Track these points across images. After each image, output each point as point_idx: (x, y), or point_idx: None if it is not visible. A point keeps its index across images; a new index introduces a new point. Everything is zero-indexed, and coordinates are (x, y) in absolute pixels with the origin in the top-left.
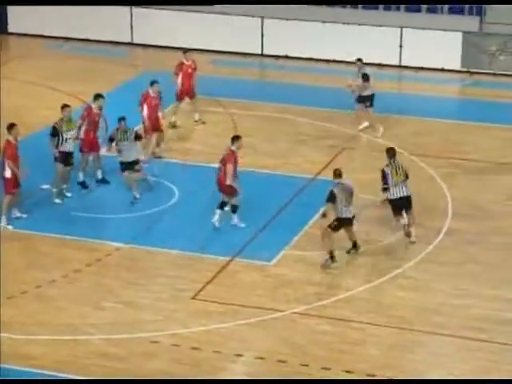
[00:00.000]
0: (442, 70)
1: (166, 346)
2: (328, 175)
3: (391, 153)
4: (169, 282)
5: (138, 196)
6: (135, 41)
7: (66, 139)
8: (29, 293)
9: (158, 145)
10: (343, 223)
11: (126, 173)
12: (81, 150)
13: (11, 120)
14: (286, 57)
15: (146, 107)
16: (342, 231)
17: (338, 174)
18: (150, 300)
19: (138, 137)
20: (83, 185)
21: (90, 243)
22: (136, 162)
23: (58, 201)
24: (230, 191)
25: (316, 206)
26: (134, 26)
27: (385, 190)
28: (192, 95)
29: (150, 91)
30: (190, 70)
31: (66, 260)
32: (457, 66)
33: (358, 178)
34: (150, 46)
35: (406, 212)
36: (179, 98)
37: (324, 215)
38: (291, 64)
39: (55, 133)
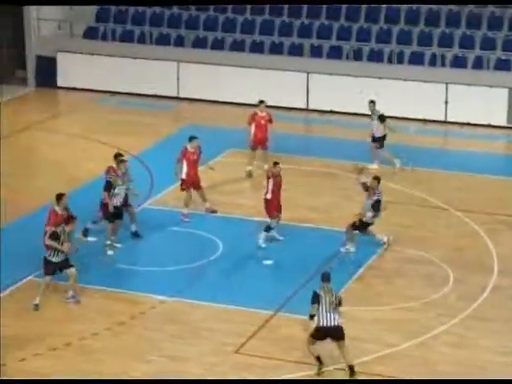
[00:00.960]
0: (488, 125)
1: None
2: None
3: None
4: (212, 336)
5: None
6: (181, 95)
7: (119, 193)
8: (72, 345)
9: (204, 200)
10: (325, 333)
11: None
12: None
13: (57, 172)
14: (331, 111)
15: (185, 163)
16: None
17: (326, 278)
18: (193, 353)
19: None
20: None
21: (135, 296)
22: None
23: (110, 252)
24: (268, 209)
25: (359, 261)
26: (180, 80)
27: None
28: (264, 146)
29: (189, 147)
30: (263, 122)
31: (109, 312)
32: (503, 121)
33: (406, 232)
34: (196, 99)
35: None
36: (252, 147)
37: (311, 317)
38: (336, 118)
39: (110, 186)
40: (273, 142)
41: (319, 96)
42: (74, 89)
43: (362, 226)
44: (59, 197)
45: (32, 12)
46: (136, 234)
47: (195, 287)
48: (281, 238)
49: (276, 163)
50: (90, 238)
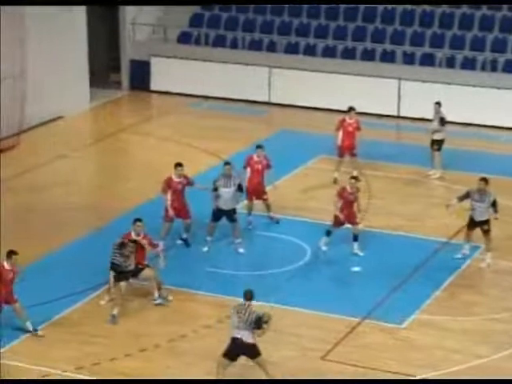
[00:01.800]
0: None
1: None
2: (461, 239)
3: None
4: (298, 341)
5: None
6: (272, 100)
7: (222, 195)
8: (161, 346)
9: (268, 210)
10: (234, 351)
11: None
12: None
13: (148, 175)
14: (423, 119)
15: (249, 170)
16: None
17: (248, 297)
18: (279, 358)
19: (240, 187)
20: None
21: (222, 299)
22: (233, 211)
23: (205, 249)
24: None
25: (448, 269)
26: (272, 85)
27: None
28: (353, 153)
29: (255, 155)
30: (350, 129)
31: (197, 315)
32: None
33: (501, 243)
34: (287, 105)
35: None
36: (340, 154)
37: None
38: (427, 126)
39: (215, 188)
40: (364, 149)
41: (411, 103)
42: (167, 93)
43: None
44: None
45: (127, 17)
46: (186, 242)
47: (282, 292)
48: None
49: (354, 177)
50: (179, 241)
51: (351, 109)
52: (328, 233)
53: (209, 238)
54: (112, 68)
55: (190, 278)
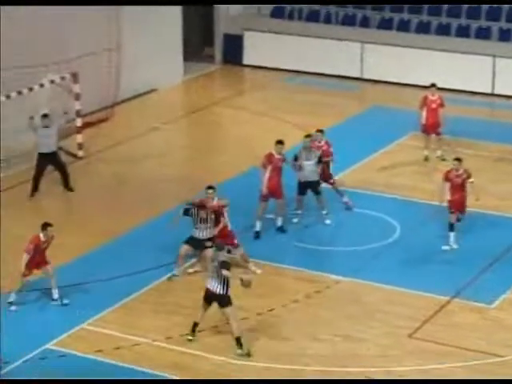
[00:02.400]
0: None
1: None
2: None
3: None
4: (386, 318)
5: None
6: (365, 76)
7: (304, 168)
8: (249, 319)
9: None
10: (208, 296)
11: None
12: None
13: (240, 148)
14: None
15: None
16: None
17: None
18: (367, 335)
19: (320, 160)
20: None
21: (310, 275)
22: (317, 183)
23: (295, 220)
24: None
25: None
26: (365, 61)
27: None
28: (437, 131)
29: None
30: (433, 106)
31: (285, 290)
32: None
33: None
34: (379, 81)
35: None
36: (426, 131)
37: None
38: None
39: (295, 158)
40: (456, 127)
41: (505, 80)
42: (260, 67)
43: None
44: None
45: None
46: (282, 229)
47: (371, 269)
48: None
49: (458, 159)
50: (269, 215)
51: (433, 85)
52: (451, 227)
53: (299, 212)
54: (205, 42)
55: (278, 252)
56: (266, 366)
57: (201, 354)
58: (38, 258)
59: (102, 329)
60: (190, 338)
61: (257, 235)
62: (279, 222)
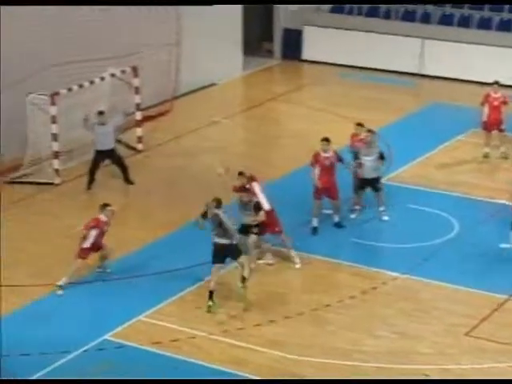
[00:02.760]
0: None
1: None
2: None
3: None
4: (443, 316)
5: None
6: (424, 72)
7: (364, 164)
8: (305, 314)
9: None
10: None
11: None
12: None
13: (298, 143)
14: None
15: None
16: None
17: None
18: (424, 332)
19: (381, 156)
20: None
21: (366, 271)
22: (377, 180)
23: (353, 216)
24: None
25: None
26: (424, 57)
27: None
28: (500, 128)
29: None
30: (496, 103)
31: (341, 285)
32: None
33: None
34: (439, 77)
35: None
36: (486, 129)
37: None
38: None
39: (355, 157)
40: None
41: None
42: (318, 62)
43: None
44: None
45: None
46: (339, 225)
47: (428, 266)
48: None
49: None
50: (327, 211)
51: (496, 82)
52: None
53: (356, 207)
54: (265, 37)
55: (335, 248)
56: (322, 361)
57: (257, 348)
58: (97, 241)
59: (159, 321)
60: (210, 303)
61: (314, 231)
62: (336, 218)
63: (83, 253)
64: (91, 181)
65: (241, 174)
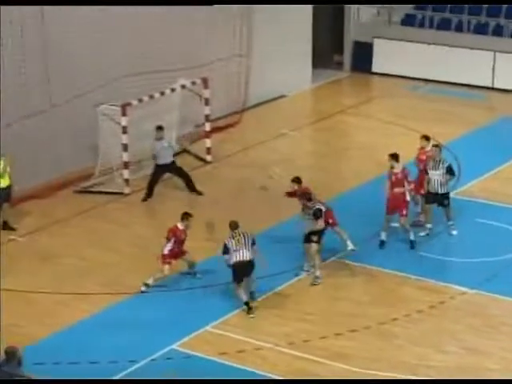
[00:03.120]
0: None
1: None
2: None
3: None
4: (510, 332)
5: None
6: (496, 85)
7: (431, 179)
8: (372, 328)
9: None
10: (240, 267)
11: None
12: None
13: (367, 156)
14: None
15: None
16: None
17: (233, 226)
18: (493, 348)
19: (450, 170)
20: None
21: (434, 285)
22: (444, 196)
23: (422, 234)
24: None
25: None
26: (496, 70)
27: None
28: None
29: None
30: None
31: (408, 299)
32: None
33: None
34: (510, 91)
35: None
36: None
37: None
38: None
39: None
40: None
41: None
42: (388, 75)
43: None
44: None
45: None
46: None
47: (497, 281)
48: None
49: None
50: (394, 224)
51: None
52: None
53: (428, 225)
54: (335, 49)
55: (403, 262)
56: (388, 374)
57: (323, 360)
58: (176, 249)
59: (226, 332)
60: (253, 316)
61: (381, 244)
62: (411, 236)
63: (163, 259)
64: (149, 194)
65: (294, 180)
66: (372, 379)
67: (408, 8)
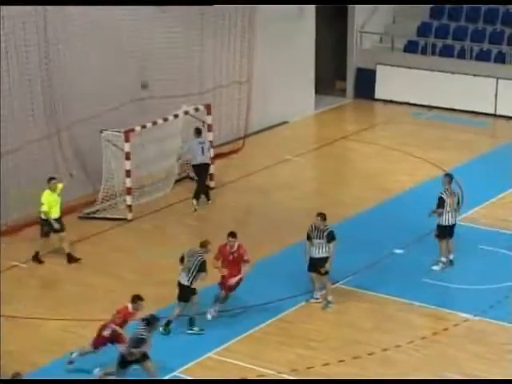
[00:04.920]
0: None
1: None
2: None
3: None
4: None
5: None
6: (498, 112)
7: (448, 212)
8: (375, 354)
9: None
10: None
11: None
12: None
13: (369, 182)
14: None
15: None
16: None
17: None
18: (497, 376)
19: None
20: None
21: (438, 312)
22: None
23: (435, 267)
24: None
25: None
26: (499, 97)
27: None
28: None
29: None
30: None
31: (412, 326)
32: None
33: None
34: None
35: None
36: None
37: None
38: None
39: (441, 204)
40: None
41: None
42: (391, 101)
43: None
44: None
45: (355, 25)
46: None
47: (501, 308)
48: None
49: None
50: (398, 251)
51: None
52: None
53: (443, 259)
54: (338, 75)
55: (406, 288)
56: None
57: None
58: (117, 333)
59: (228, 358)
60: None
61: None
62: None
63: (97, 341)
64: (207, 193)
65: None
66: (372, 379)
67: (411, 35)
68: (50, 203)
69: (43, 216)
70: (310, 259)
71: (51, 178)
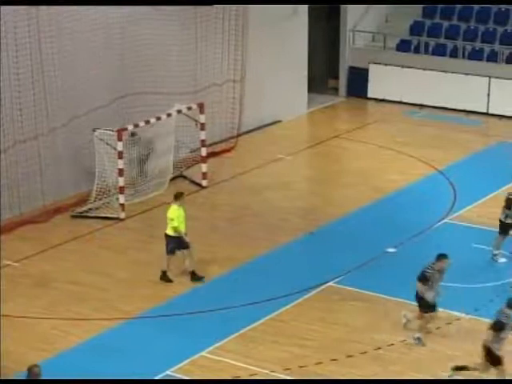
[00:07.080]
0: None
1: None
2: None
3: None
4: (507, 357)
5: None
6: (491, 111)
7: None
8: (368, 353)
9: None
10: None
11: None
12: None
13: (362, 181)
14: None
15: None
16: None
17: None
18: (488, 374)
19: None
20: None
21: None
22: (510, 226)
23: (502, 260)
24: None
25: None
26: (491, 96)
27: None
28: None
29: None
30: None
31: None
32: None
33: None
34: (506, 116)
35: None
36: None
37: None
38: None
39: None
40: None
41: None
42: (384, 100)
43: None
44: None
45: (348, 24)
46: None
47: (493, 306)
48: None
49: None
50: (390, 249)
51: None
52: None
53: (496, 252)
54: (330, 74)
55: (399, 287)
56: None
57: None
58: None
59: (221, 357)
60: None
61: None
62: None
63: None
64: None
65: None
66: (371, 379)
67: (403, 33)
68: (179, 218)
69: (171, 233)
70: None
71: (180, 193)
